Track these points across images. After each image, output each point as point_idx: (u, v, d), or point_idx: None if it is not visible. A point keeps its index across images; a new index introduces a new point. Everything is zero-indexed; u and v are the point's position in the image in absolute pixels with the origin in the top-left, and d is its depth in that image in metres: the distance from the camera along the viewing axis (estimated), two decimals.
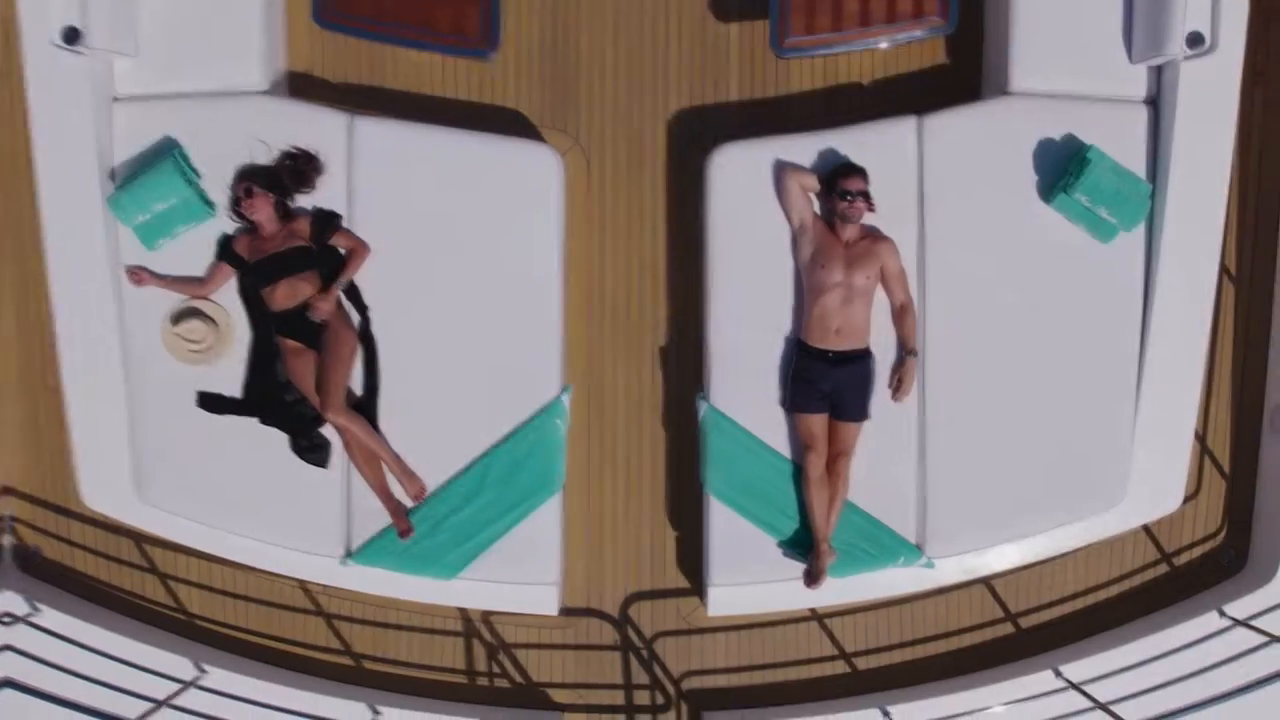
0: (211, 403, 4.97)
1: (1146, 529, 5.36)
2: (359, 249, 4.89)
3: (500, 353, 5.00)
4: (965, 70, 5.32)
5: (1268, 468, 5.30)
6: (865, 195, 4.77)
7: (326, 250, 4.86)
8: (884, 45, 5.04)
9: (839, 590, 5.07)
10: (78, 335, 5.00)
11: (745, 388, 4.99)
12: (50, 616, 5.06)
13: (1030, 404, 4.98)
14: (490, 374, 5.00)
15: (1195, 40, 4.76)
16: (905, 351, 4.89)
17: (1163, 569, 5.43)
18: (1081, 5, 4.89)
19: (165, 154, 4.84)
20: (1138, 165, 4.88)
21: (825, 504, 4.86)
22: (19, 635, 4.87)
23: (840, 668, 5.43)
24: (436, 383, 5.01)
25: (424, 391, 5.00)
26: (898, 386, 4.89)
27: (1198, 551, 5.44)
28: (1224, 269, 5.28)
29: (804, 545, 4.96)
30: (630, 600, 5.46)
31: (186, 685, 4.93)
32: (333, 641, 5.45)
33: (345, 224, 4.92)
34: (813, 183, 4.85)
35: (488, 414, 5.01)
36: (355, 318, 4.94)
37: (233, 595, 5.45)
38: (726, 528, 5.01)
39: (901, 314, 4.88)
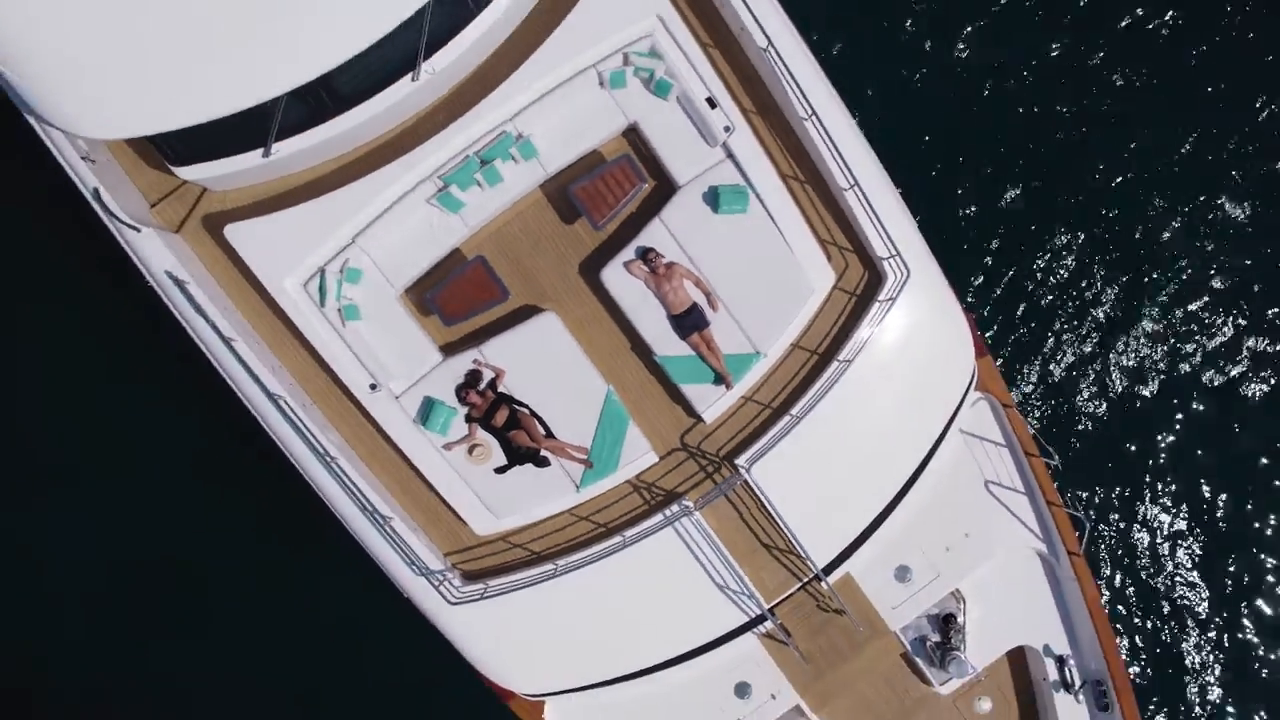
0: (498, 469, 12.51)
1: (840, 289, 12.74)
2: (500, 375, 12.40)
3: (580, 391, 12.34)
4: (669, 183, 12.73)
5: (857, 227, 12.65)
6: (656, 253, 12.22)
7: (500, 396, 12.39)
8: (636, 197, 12.45)
9: (742, 385, 12.57)
10: (440, 482, 12.56)
11: (666, 343, 12.39)
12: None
13: (759, 276, 12.30)
14: (584, 402, 12.34)
15: (728, 128, 12.26)
16: (708, 296, 12.33)
17: (853, 302, 12.81)
18: (677, 135, 12.31)
19: (434, 402, 12.37)
20: (737, 179, 12.32)
21: (718, 360, 12.35)
22: None
23: (771, 410, 12.74)
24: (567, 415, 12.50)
25: (564, 420, 12.49)
26: (711, 306, 12.34)
27: (864, 287, 12.78)
28: (791, 177, 12.63)
29: (718, 379, 12.47)
30: (682, 436, 12.79)
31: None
32: (589, 526, 12.83)
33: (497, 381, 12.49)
34: (638, 262, 12.32)
35: (590, 413, 12.40)
36: (524, 410, 12.47)
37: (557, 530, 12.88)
38: (691, 390, 12.46)
39: (698, 284, 12.35)
